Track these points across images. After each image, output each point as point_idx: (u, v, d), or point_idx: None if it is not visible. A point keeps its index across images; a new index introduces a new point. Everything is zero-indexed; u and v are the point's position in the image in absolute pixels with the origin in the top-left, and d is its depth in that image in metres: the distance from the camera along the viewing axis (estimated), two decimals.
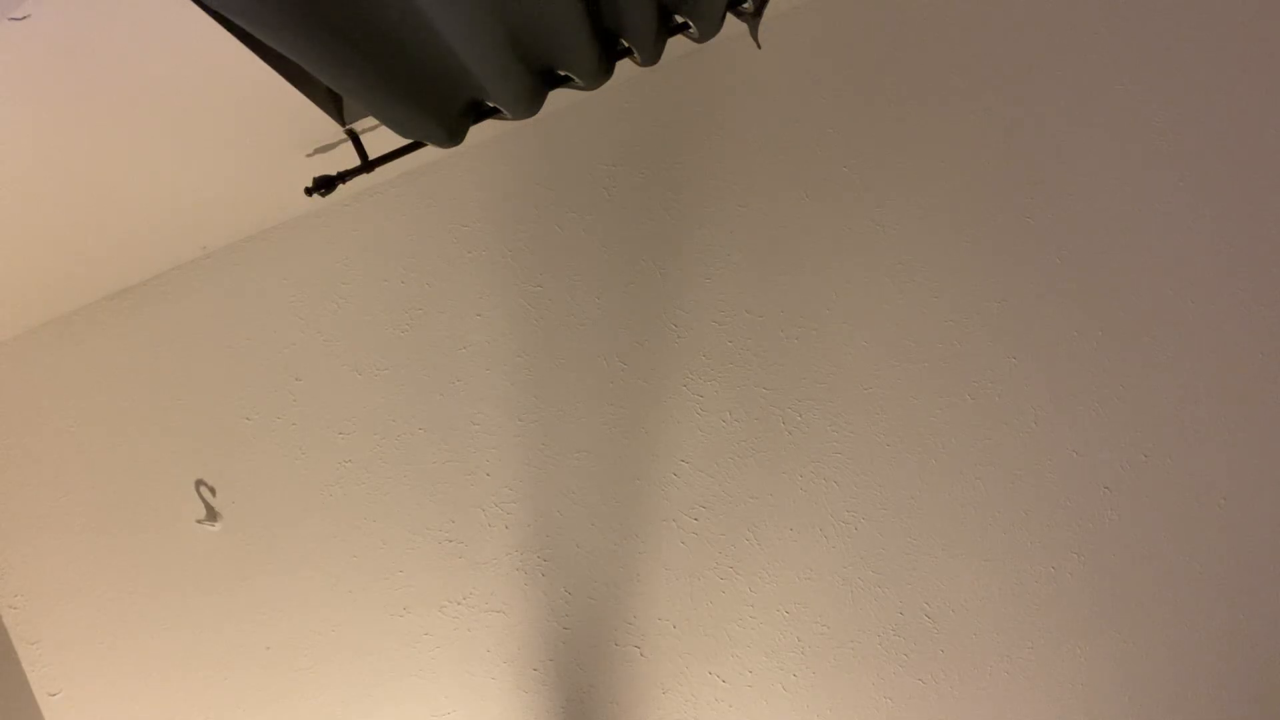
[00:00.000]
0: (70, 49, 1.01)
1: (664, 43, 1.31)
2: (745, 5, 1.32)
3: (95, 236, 1.53)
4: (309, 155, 1.49)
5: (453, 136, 1.25)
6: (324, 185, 1.38)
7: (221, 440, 1.76)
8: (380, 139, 1.41)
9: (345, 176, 1.39)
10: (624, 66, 1.33)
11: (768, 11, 1.34)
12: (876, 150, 1.73)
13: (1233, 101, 1.72)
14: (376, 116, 1.13)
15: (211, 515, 1.76)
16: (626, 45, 1.27)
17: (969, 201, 1.73)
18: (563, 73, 1.25)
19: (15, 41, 0.95)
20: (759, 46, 1.42)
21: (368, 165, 1.40)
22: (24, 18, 0.91)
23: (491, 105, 1.26)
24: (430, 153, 1.52)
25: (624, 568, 1.76)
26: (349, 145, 1.41)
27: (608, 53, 1.26)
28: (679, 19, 1.30)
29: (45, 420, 1.77)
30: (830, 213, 1.73)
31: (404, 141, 1.36)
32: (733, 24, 1.40)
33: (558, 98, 1.36)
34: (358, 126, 1.38)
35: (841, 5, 1.72)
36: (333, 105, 1.28)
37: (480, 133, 1.38)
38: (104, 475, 1.77)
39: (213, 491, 1.77)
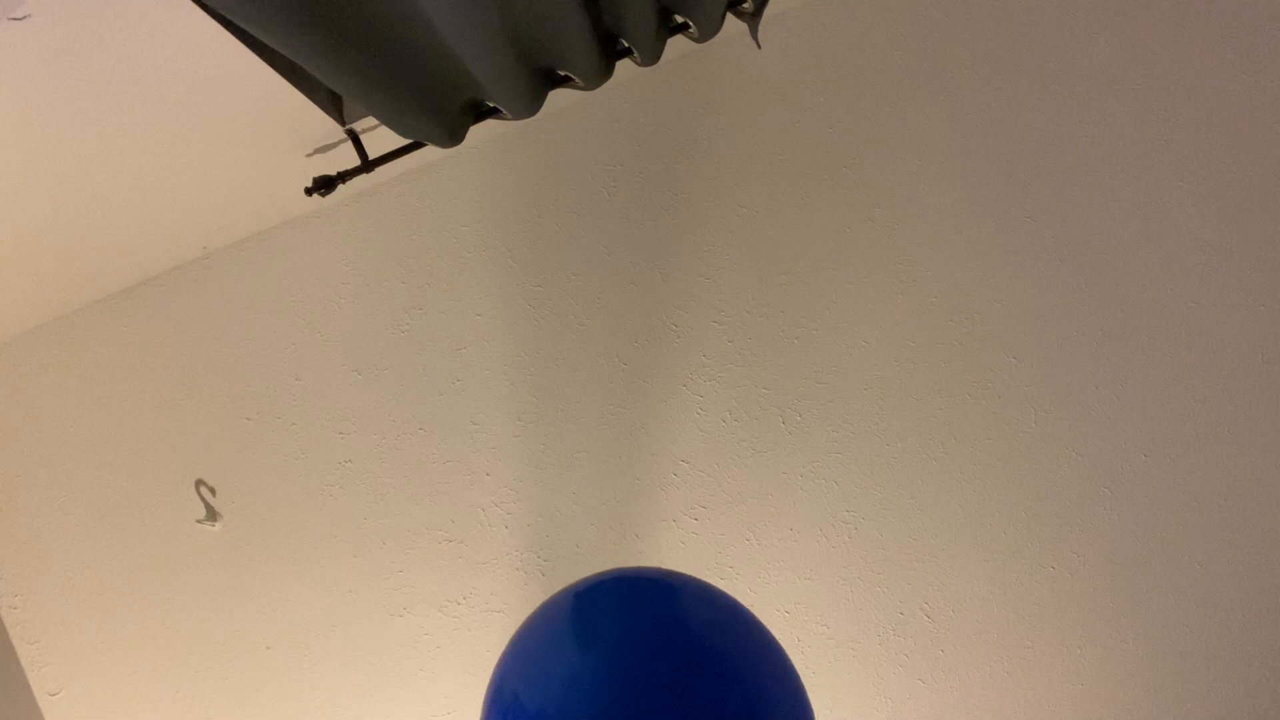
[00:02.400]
0: (70, 49, 1.01)
1: (664, 43, 1.31)
2: (745, 5, 1.32)
3: (95, 237, 1.53)
4: (309, 155, 1.49)
5: (453, 136, 1.25)
6: (324, 185, 1.38)
7: (221, 440, 1.76)
8: (380, 139, 1.41)
9: (345, 176, 1.39)
10: (624, 66, 1.33)
11: (768, 11, 1.34)
12: (876, 150, 1.73)
13: (1234, 101, 1.72)
14: (376, 116, 1.13)
15: (211, 515, 1.76)
16: (626, 45, 1.27)
17: (969, 201, 1.73)
18: (563, 73, 1.25)
19: (15, 41, 0.95)
20: (759, 46, 1.42)
21: (368, 165, 1.39)
22: (24, 18, 0.91)
23: (491, 105, 1.26)
24: (430, 153, 1.52)
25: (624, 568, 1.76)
26: (349, 145, 1.41)
27: (608, 53, 1.26)
28: (679, 19, 1.30)
29: (45, 420, 1.77)
30: (830, 213, 1.73)
31: (404, 141, 1.36)
32: (733, 24, 1.40)
33: (558, 98, 1.36)
34: (358, 126, 1.38)
35: (841, 5, 1.72)
36: (333, 105, 1.28)
37: (480, 133, 1.38)
38: (104, 475, 1.77)
39: (213, 491, 1.77)
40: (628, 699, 0.97)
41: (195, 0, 0.87)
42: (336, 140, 1.46)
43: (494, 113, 1.28)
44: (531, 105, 1.26)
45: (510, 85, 1.16)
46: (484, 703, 1.12)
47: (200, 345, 1.76)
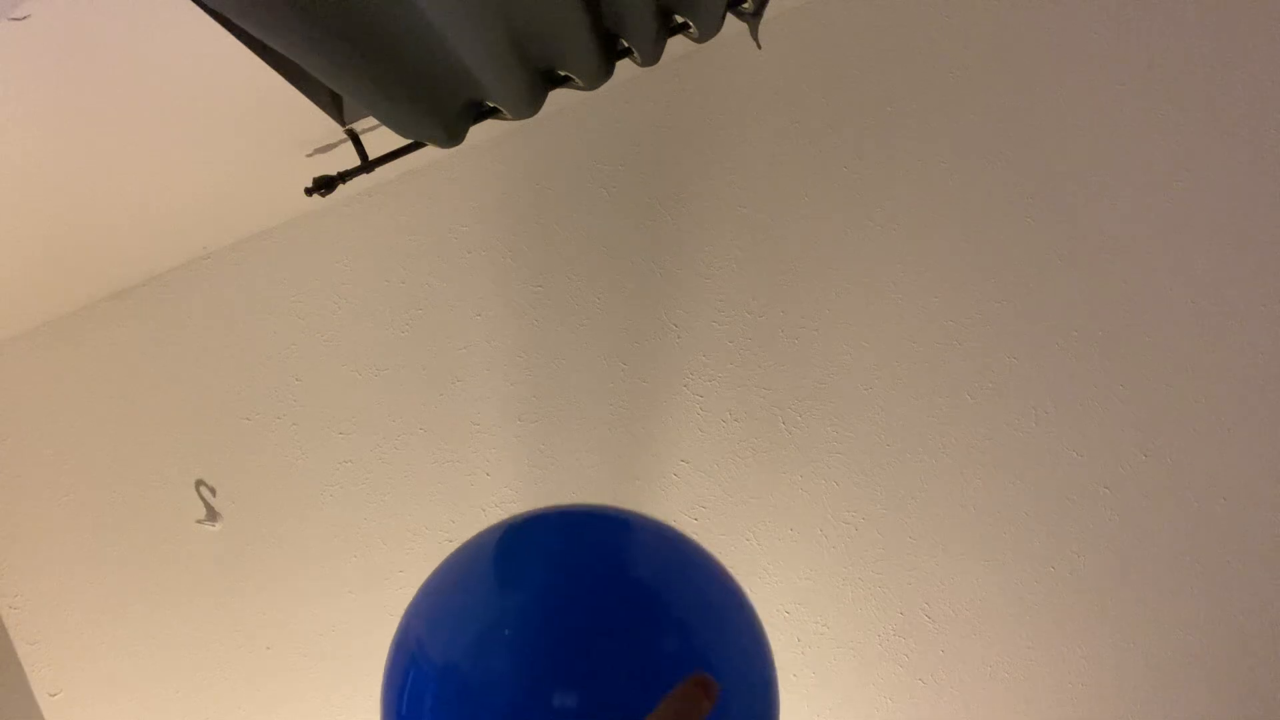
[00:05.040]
0: (71, 50, 1.01)
1: (664, 43, 1.31)
2: (745, 5, 1.32)
3: (95, 236, 1.53)
4: (309, 155, 1.49)
5: (453, 136, 1.25)
6: (324, 185, 1.38)
7: (221, 440, 1.76)
8: (380, 139, 1.41)
9: (345, 176, 1.39)
10: (624, 66, 1.33)
11: (768, 11, 1.34)
12: (877, 150, 1.73)
13: (1235, 102, 1.72)
14: (376, 116, 1.13)
15: (211, 515, 1.76)
16: (626, 45, 1.27)
17: (969, 201, 1.73)
18: (563, 73, 1.25)
19: (15, 41, 0.95)
20: (759, 46, 1.42)
21: (368, 165, 1.39)
22: (24, 18, 0.91)
23: (491, 105, 1.26)
24: (430, 153, 1.52)
25: None
26: (349, 145, 1.41)
27: (608, 53, 1.26)
28: (679, 19, 1.30)
29: (45, 420, 1.77)
30: (830, 213, 1.73)
31: (404, 141, 1.36)
32: (733, 24, 1.40)
33: (558, 98, 1.36)
34: (358, 126, 1.38)
35: (842, 5, 1.72)
36: (333, 105, 1.28)
37: (480, 133, 1.38)
38: (104, 475, 1.77)
39: (213, 491, 1.77)
40: (556, 648, 0.82)
41: (195, 0, 0.87)
42: (336, 140, 1.46)
43: (494, 113, 1.28)
44: (531, 105, 1.26)
45: (510, 85, 1.16)
46: (387, 657, 0.97)
47: (200, 345, 1.76)
